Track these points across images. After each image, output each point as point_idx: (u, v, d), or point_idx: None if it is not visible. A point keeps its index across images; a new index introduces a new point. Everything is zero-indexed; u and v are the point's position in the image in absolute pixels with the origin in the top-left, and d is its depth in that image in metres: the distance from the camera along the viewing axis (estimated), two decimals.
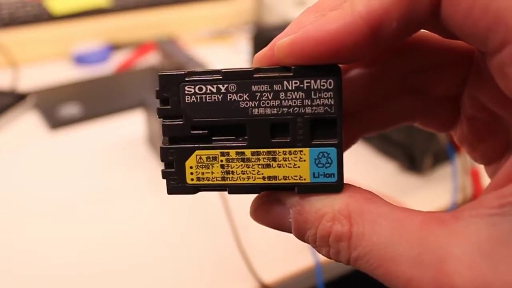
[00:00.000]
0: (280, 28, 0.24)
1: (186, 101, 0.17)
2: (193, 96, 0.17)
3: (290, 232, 0.18)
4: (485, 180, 0.28)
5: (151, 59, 0.80)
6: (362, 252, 0.16)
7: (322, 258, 0.42)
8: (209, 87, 0.17)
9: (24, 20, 0.79)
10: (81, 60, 0.79)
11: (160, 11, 0.88)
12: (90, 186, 0.51)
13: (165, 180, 0.18)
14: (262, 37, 0.68)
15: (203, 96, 0.17)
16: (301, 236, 0.18)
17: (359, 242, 0.16)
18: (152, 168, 0.53)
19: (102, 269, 0.41)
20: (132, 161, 0.55)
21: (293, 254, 0.42)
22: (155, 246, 0.44)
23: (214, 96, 0.17)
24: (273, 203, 0.18)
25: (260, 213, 0.18)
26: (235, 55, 0.83)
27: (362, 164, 0.54)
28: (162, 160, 0.18)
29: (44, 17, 0.81)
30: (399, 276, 0.15)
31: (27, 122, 0.63)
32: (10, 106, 0.63)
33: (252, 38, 0.70)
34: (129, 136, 0.59)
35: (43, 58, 0.80)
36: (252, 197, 0.19)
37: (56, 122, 0.62)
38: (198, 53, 0.75)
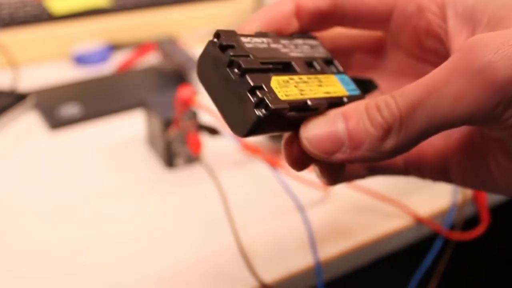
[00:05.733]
0: None
1: (247, 46, 0.23)
2: (249, 43, 0.23)
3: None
4: None
5: (151, 59, 0.80)
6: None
7: (322, 258, 0.42)
8: (254, 39, 0.24)
9: (24, 20, 0.79)
10: (81, 60, 0.79)
11: (160, 11, 0.88)
12: (90, 186, 0.51)
13: (248, 111, 0.21)
14: None
15: (256, 43, 0.23)
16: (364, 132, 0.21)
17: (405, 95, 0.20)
18: (152, 168, 0.53)
19: (102, 269, 0.41)
20: (132, 161, 0.55)
21: (293, 254, 0.42)
22: (155, 246, 0.44)
23: (263, 45, 0.24)
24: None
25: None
26: None
27: None
28: (254, 84, 0.21)
29: (44, 17, 0.80)
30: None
31: (27, 122, 0.63)
32: (10, 106, 0.63)
33: None
34: (129, 136, 0.59)
35: (43, 58, 0.80)
36: None
37: (56, 122, 0.62)
38: (198, 53, 0.75)
